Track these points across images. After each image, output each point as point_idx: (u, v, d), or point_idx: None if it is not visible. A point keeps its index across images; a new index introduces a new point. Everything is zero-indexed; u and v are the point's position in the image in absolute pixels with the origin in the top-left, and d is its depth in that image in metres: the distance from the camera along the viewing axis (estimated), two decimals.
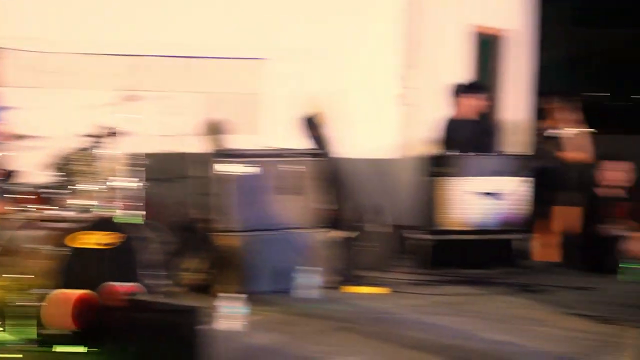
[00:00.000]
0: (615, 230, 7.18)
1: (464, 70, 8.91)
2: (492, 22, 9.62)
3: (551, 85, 13.64)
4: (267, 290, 5.88)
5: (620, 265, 6.85)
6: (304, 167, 6.28)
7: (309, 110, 6.94)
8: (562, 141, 7.89)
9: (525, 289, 6.26)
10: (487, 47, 9.87)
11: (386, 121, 8.30)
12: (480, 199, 7.06)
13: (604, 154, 7.84)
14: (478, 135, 7.67)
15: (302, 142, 6.79)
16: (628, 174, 7.47)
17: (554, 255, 7.71)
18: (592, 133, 8.24)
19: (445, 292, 6.21)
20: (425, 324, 5.16)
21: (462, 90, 7.69)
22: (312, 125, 6.87)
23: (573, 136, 7.89)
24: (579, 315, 5.42)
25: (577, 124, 8.12)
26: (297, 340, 4.68)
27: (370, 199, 6.89)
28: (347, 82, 7.97)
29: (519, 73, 10.18)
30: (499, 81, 9.97)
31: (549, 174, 7.95)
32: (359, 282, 6.24)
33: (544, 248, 7.82)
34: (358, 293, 6.08)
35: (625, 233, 7.13)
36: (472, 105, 7.63)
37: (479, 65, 9.40)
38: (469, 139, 7.48)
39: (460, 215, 7.05)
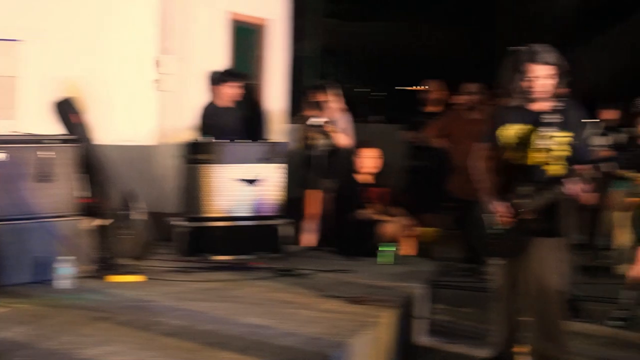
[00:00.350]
0: (370, 214, 7.46)
1: (222, 58, 8.93)
2: (251, 10, 9.70)
3: (313, 75, 13.99)
4: (22, 281, 5.63)
5: (376, 249, 7.13)
6: (59, 153, 6.05)
7: (64, 95, 6.68)
8: (324, 129, 8.07)
9: (284, 274, 6.35)
10: (248, 35, 9.95)
11: (144, 108, 8.17)
12: (239, 185, 7.08)
13: (360, 141, 8.14)
14: (237, 122, 7.71)
15: (58, 127, 6.54)
16: (378, 160, 7.78)
17: (314, 240, 7.91)
18: (354, 121, 8.51)
19: (204, 278, 6.19)
20: (183, 311, 5.10)
21: (219, 77, 7.67)
22: (68, 110, 6.61)
23: (334, 124, 8.08)
24: (335, 297, 5.56)
25: (339, 112, 8.36)
26: (49, 332, 4.47)
27: (127, 186, 6.73)
28: (103, 67, 7.78)
29: (278, 63, 10.35)
30: (260, 70, 10.10)
31: (310, 161, 8.15)
32: (117, 270, 6.08)
33: (305, 233, 8.01)
34: (115, 282, 5.92)
35: (380, 217, 7.43)
36: (229, 93, 7.64)
37: (238, 54, 9.44)
38: (227, 126, 7.48)
39: (219, 202, 7.04)
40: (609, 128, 9.77)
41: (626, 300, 6.77)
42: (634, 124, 8.85)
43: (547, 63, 4.91)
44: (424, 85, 9.98)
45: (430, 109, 9.68)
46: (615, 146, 9.15)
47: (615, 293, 7.19)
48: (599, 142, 9.51)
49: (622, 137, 9.42)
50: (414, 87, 9.85)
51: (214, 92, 7.67)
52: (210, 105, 7.63)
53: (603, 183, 7.46)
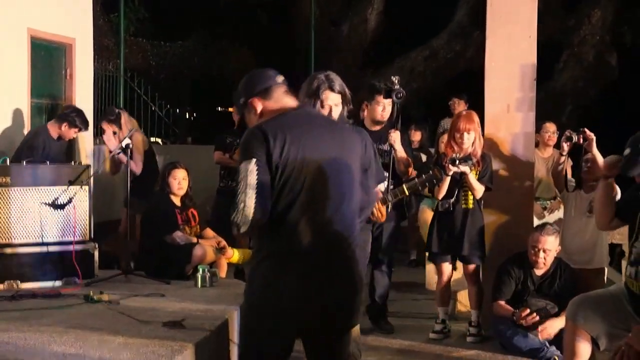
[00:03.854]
0: (182, 236, 7.32)
1: (22, 76, 8.84)
2: (54, 29, 9.52)
3: (121, 96, 13.69)
4: None
5: (190, 271, 7.00)
6: None
7: None
8: (121, 153, 7.96)
9: (94, 300, 6.11)
10: (52, 54, 9.71)
11: None
12: (44, 209, 6.80)
13: (171, 162, 8.00)
14: (62, 151, 8.21)
15: None
16: (189, 180, 7.68)
17: (127, 263, 7.70)
18: (162, 142, 8.43)
19: (10, 307, 5.87)
20: None
21: (66, 118, 8.28)
22: None
23: (129, 147, 7.90)
24: (149, 322, 5.39)
25: (135, 134, 8.30)
26: None
27: None
28: None
29: (85, 82, 10.16)
30: (67, 90, 9.86)
31: (121, 183, 8.05)
32: None
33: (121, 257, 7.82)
34: None
35: (192, 239, 7.31)
36: (66, 133, 8.26)
37: (41, 73, 9.30)
38: (52, 155, 7.76)
39: (22, 227, 6.75)
40: (415, 149, 10.14)
41: (440, 315, 7.02)
42: (436, 144, 9.22)
43: (339, 91, 5.02)
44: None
45: (240, 130, 9.70)
46: (420, 166, 9.50)
47: (430, 308, 7.45)
48: None
49: (424, 157, 9.81)
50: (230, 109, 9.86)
51: (54, 126, 8.11)
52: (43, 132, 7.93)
53: (410, 201, 7.69)
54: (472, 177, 6.72)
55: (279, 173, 3.62)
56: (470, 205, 6.85)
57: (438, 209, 6.97)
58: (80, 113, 8.49)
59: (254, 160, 3.58)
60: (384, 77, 7.85)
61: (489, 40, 7.25)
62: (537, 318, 6.33)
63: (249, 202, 3.54)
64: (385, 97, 6.84)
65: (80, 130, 8.47)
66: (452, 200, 6.80)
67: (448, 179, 6.70)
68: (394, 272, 7.44)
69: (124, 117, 8.65)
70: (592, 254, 6.95)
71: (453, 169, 6.59)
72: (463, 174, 6.67)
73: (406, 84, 16.01)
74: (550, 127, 8.75)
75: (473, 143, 6.79)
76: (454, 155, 6.62)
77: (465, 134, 6.75)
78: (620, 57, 15.96)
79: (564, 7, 15.97)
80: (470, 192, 6.81)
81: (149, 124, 14.27)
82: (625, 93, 15.34)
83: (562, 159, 7.01)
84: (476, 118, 6.87)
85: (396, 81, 6.77)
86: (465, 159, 6.58)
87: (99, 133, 9.99)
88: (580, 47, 15.95)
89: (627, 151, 4.61)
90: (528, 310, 6.36)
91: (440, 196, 6.81)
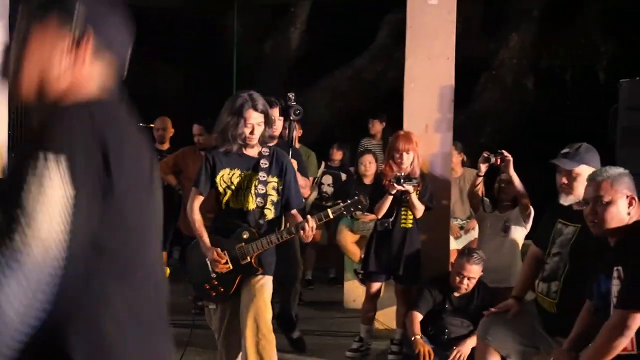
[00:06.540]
0: None
1: None
2: None
3: None
4: None
5: None
6: None
7: None
8: None
9: None
10: None
11: None
12: None
13: None
14: None
15: None
16: None
17: None
18: None
19: None
20: None
21: None
22: None
23: None
24: None
25: None
26: None
27: None
28: None
29: None
30: None
31: None
32: None
33: None
34: None
35: None
36: None
37: None
38: None
39: None
40: (336, 167, 10.19)
41: (362, 332, 7.05)
42: (356, 164, 9.29)
43: (262, 111, 5.05)
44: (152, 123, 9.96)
45: (159, 146, 9.62)
46: (341, 185, 9.55)
47: (349, 326, 7.46)
48: (326, 181, 9.90)
49: (344, 176, 9.87)
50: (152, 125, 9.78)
51: None
52: None
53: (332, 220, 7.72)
54: (414, 197, 6.74)
55: None
56: (410, 225, 6.88)
57: (376, 228, 6.96)
58: None
59: None
60: (307, 96, 7.88)
61: (408, 60, 7.33)
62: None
63: None
64: (281, 114, 6.73)
65: None
66: (392, 219, 6.82)
67: (390, 198, 6.70)
68: (312, 289, 7.45)
69: None
70: (508, 272, 7.05)
71: (398, 188, 6.60)
72: (405, 193, 6.68)
73: (329, 103, 16.14)
74: (456, 148, 8.82)
75: (412, 163, 6.82)
76: (398, 174, 6.64)
77: (405, 153, 6.77)
78: (537, 80, 16.32)
79: (484, 30, 16.27)
80: (409, 212, 6.83)
81: None
82: (541, 116, 15.66)
83: (479, 179, 7.11)
84: (414, 138, 6.89)
85: (292, 97, 6.71)
86: (410, 178, 6.61)
87: None
88: (499, 69, 16.26)
89: None
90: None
91: (380, 215, 6.81)
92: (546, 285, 4.82)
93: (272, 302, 5.31)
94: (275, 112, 6.56)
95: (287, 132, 6.80)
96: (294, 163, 5.84)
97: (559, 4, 15.40)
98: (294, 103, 6.65)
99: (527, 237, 6.97)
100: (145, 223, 2.19)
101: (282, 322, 7.12)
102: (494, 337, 5.04)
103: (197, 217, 5.23)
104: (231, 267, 5.16)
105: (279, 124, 6.74)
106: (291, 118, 6.68)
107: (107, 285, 2.05)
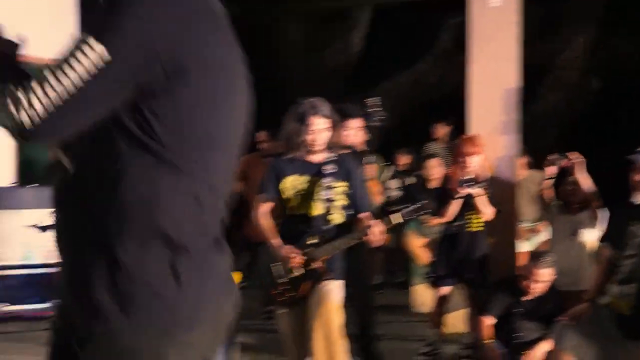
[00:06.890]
0: None
1: None
2: None
3: None
4: None
5: None
6: None
7: None
8: None
9: None
10: None
11: None
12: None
13: None
14: None
15: None
16: None
17: None
18: None
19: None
20: None
21: None
22: None
23: None
24: None
25: None
26: None
27: None
28: None
29: None
30: None
31: None
32: None
33: None
34: None
35: None
36: None
37: None
38: None
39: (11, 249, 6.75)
40: (402, 172, 10.17)
41: (431, 337, 7.02)
42: (423, 168, 9.26)
43: (325, 116, 5.07)
44: None
45: None
46: (407, 190, 9.53)
47: (417, 330, 7.44)
48: (393, 186, 9.90)
49: (412, 180, 9.84)
50: None
51: None
52: None
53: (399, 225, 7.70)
54: (482, 200, 6.70)
55: None
56: (477, 228, 6.85)
57: (445, 232, 6.94)
58: None
59: None
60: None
61: (471, 64, 7.29)
62: None
63: None
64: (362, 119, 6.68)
65: None
66: (459, 223, 6.80)
67: (457, 202, 6.68)
68: (382, 293, 7.43)
69: None
70: (577, 275, 6.96)
71: (464, 191, 6.57)
72: (471, 196, 6.66)
73: (391, 108, 16.11)
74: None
75: (478, 166, 6.78)
76: (464, 177, 6.62)
77: (470, 157, 6.74)
78: (601, 81, 16.10)
79: (546, 30, 16.09)
80: (476, 215, 6.80)
81: None
82: (607, 115, 15.45)
83: (547, 182, 7.04)
84: (480, 141, 6.85)
85: (374, 103, 6.70)
86: (476, 182, 6.58)
87: None
88: (563, 70, 16.07)
89: None
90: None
91: (447, 218, 6.79)
92: (621, 287, 4.75)
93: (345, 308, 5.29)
94: (356, 123, 6.55)
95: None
96: (371, 168, 5.82)
97: (622, 4, 15.18)
98: (375, 109, 6.65)
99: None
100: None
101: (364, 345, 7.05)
102: (568, 342, 4.98)
103: (265, 222, 5.25)
104: (303, 266, 5.15)
105: (359, 134, 6.67)
106: (372, 124, 6.69)
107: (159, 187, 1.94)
